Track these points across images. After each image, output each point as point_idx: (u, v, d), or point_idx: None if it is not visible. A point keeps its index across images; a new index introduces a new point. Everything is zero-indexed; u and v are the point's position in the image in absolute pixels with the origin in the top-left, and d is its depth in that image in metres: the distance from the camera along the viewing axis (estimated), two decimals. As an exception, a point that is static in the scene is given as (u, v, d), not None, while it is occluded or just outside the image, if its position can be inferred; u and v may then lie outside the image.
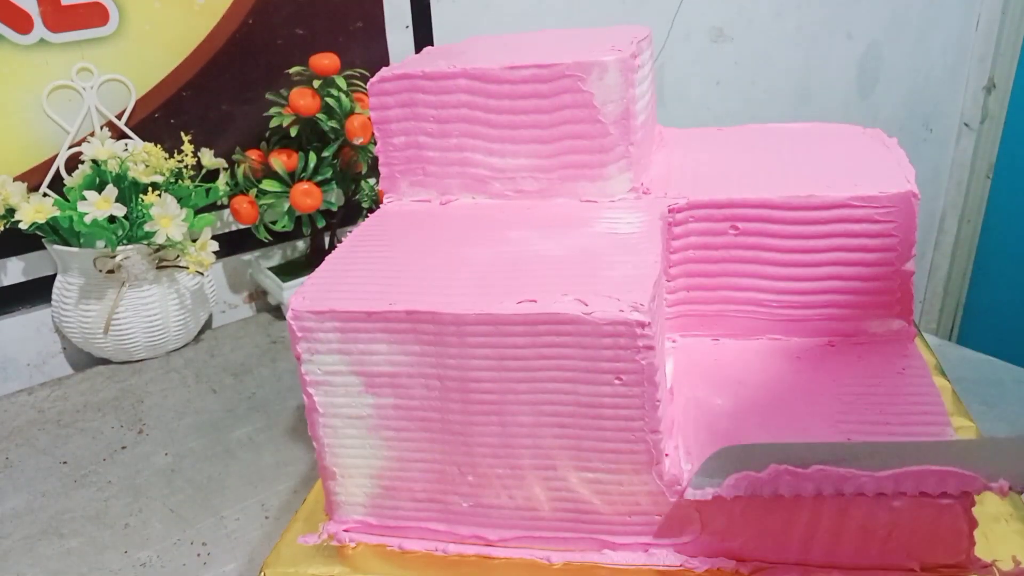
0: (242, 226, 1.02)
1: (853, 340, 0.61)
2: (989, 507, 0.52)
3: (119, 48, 0.91)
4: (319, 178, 0.97)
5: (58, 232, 0.88)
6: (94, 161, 0.87)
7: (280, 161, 0.95)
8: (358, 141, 0.96)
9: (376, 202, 1.03)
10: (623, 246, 0.54)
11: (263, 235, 0.98)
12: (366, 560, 0.54)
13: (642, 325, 0.46)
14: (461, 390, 0.50)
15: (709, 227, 0.61)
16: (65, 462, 0.77)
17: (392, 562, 0.54)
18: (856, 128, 0.72)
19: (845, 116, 1.65)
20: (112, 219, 0.85)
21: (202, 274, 0.94)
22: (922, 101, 1.78)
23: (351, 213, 1.06)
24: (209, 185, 0.95)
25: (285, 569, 0.54)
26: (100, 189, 0.84)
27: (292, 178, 0.96)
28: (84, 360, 0.96)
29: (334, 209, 1.02)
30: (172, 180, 0.90)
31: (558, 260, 0.53)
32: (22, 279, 0.92)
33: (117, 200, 0.84)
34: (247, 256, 1.06)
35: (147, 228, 0.85)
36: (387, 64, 1.09)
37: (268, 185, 0.96)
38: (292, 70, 0.96)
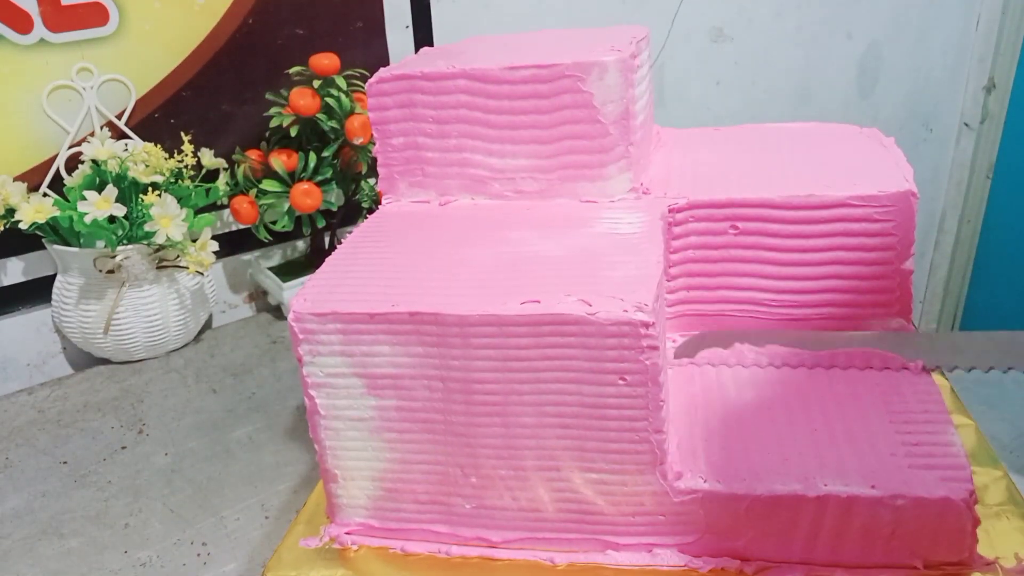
0: (242, 226, 1.02)
1: None
2: (990, 504, 0.52)
3: (119, 48, 0.91)
4: (319, 178, 0.97)
5: (58, 232, 0.88)
6: (94, 161, 0.87)
7: (280, 161, 0.95)
8: (358, 141, 0.96)
9: (376, 202, 1.03)
10: (624, 246, 0.54)
11: (263, 235, 0.98)
12: (368, 563, 0.54)
13: (646, 325, 0.46)
14: (464, 391, 0.50)
15: (709, 227, 0.61)
16: (65, 462, 0.77)
17: (394, 564, 0.54)
18: (853, 128, 0.72)
19: (845, 116, 1.65)
20: (112, 219, 0.85)
21: (202, 274, 0.94)
22: (922, 101, 1.78)
23: (351, 213, 1.06)
24: (209, 185, 0.95)
25: (287, 572, 0.53)
26: (100, 189, 0.84)
27: (292, 178, 0.96)
28: (84, 360, 0.96)
29: (334, 209, 1.02)
30: (172, 180, 0.90)
31: (559, 260, 0.53)
32: (22, 279, 0.92)
33: (117, 200, 0.84)
34: (247, 256, 1.06)
35: (147, 228, 0.85)
36: (387, 64, 1.09)
37: (268, 185, 0.96)
38: (292, 70, 0.96)
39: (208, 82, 0.97)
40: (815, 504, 0.48)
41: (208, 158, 0.95)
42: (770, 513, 0.49)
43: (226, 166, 0.97)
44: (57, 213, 0.85)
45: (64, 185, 0.89)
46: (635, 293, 0.48)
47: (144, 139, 0.94)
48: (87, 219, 0.83)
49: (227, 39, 0.97)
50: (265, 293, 1.07)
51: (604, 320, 0.47)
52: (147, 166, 0.87)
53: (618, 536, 0.52)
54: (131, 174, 0.86)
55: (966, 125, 1.87)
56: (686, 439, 0.52)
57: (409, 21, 1.10)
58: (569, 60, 0.58)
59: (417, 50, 1.12)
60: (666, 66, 1.38)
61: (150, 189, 0.86)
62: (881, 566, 0.49)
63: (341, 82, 0.95)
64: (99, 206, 0.83)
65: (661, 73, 1.39)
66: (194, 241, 0.90)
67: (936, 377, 0.61)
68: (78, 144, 0.90)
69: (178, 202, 0.87)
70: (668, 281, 0.62)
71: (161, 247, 0.89)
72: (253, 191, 0.96)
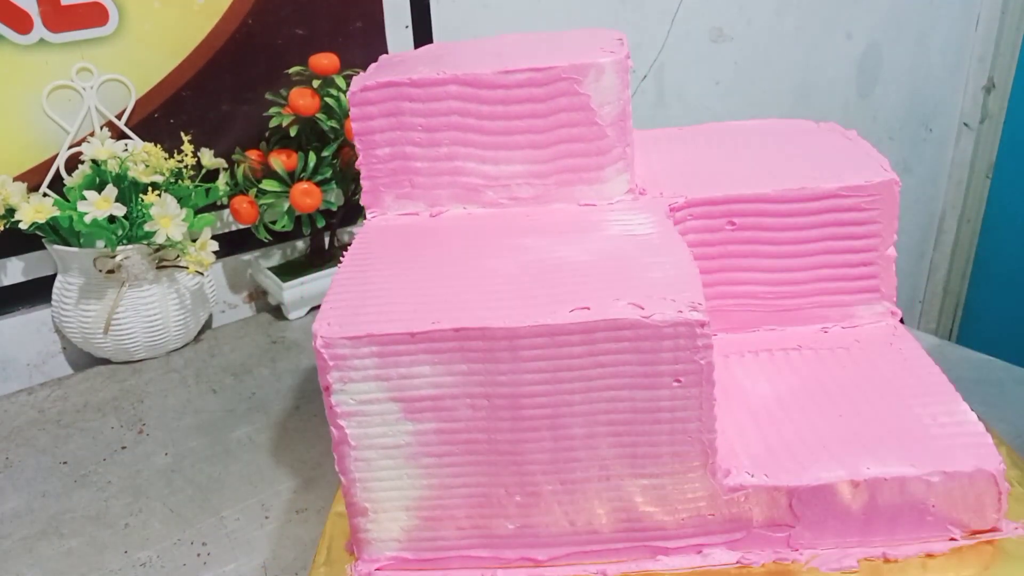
0: (242, 226, 1.02)
1: (843, 325, 0.63)
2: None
3: (119, 48, 0.91)
4: (319, 178, 0.97)
5: (58, 232, 0.88)
6: (94, 161, 0.87)
7: (280, 161, 0.95)
8: (358, 141, 0.96)
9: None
10: (648, 247, 0.54)
11: (263, 235, 0.98)
12: None
13: (701, 324, 0.46)
14: (511, 407, 0.49)
15: (707, 224, 0.61)
16: (65, 462, 0.77)
17: None
18: (809, 123, 0.73)
19: (844, 116, 1.65)
20: (112, 219, 0.85)
21: (202, 274, 0.94)
22: (922, 101, 1.78)
23: (351, 213, 1.06)
24: (209, 185, 0.95)
25: None
26: (100, 189, 0.84)
27: (292, 178, 0.96)
28: (84, 360, 0.96)
29: (334, 209, 1.02)
30: (172, 180, 0.90)
31: (589, 265, 0.52)
32: (22, 279, 0.92)
33: (117, 200, 0.84)
34: (247, 256, 1.06)
35: (147, 228, 0.86)
36: (387, 64, 1.09)
37: (268, 185, 0.96)
38: (292, 70, 0.96)
39: (208, 82, 0.97)
40: (860, 488, 0.48)
41: (208, 158, 0.95)
42: (817, 501, 0.49)
43: (226, 166, 0.97)
44: (57, 213, 0.85)
45: (64, 185, 0.89)
46: (684, 293, 0.48)
47: (144, 139, 0.94)
48: (87, 219, 0.83)
49: (227, 39, 0.97)
50: (265, 293, 1.07)
51: (659, 322, 0.46)
52: (147, 166, 0.87)
53: (667, 541, 0.51)
54: (131, 174, 0.86)
55: (966, 125, 1.87)
56: (721, 434, 0.52)
57: (409, 21, 1.10)
58: (565, 62, 0.58)
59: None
60: (666, 66, 1.39)
61: (150, 189, 0.86)
62: (921, 539, 0.51)
63: (341, 82, 0.95)
64: (99, 206, 0.83)
65: (661, 73, 1.39)
66: (194, 241, 0.90)
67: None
68: (78, 144, 0.90)
69: (178, 202, 0.87)
70: None
71: (161, 247, 0.89)
72: (253, 191, 0.96)
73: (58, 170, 0.90)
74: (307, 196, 0.95)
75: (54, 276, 0.92)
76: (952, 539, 0.50)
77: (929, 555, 0.50)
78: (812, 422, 0.53)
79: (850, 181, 0.59)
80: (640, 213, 0.59)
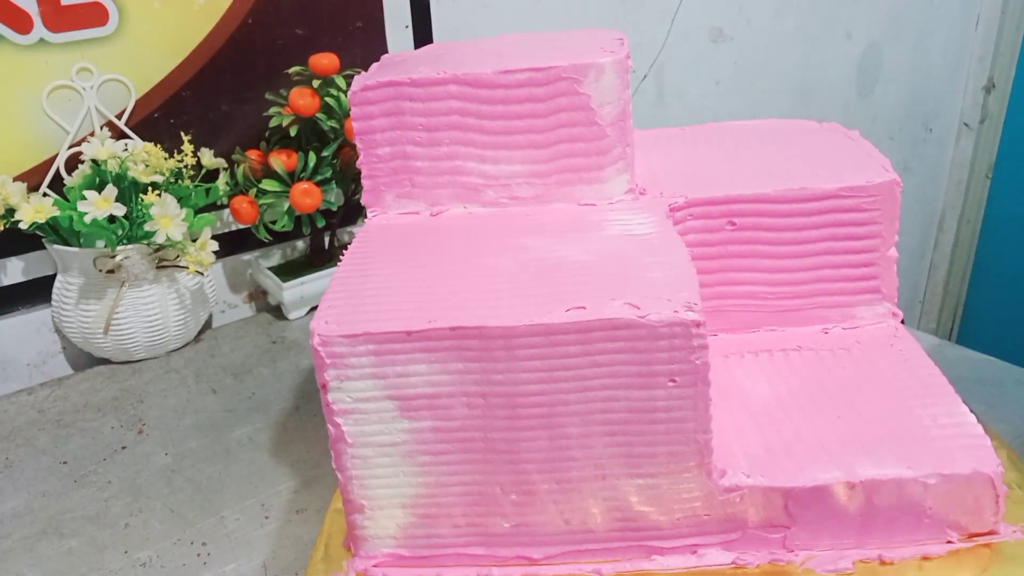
0: (242, 226, 1.02)
1: (844, 326, 0.62)
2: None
3: (119, 48, 0.91)
4: (319, 178, 0.97)
5: (58, 232, 0.88)
6: (94, 161, 0.87)
7: (280, 161, 0.95)
8: (358, 141, 0.96)
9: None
10: (647, 247, 0.54)
11: (263, 235, 0.98)
12: None
13: (697, 324, 0.46)
14: (507, 406, 0.49)
15: (707, 224, 0.61)
16: (65, 462, 0.77)
17: None
18: (811, 123, 0.73)
19: (844, 116, 1.65)
20: (112, 219, 0.85)
21: (202, 274, 0.94)
22: (922, 101, 1.78)
23: (351, 213, 1.06)
24: (209, 185, 0.95)
25: None
26: (100, 189, 0.84)
27: (292, 178, 0.96)
28: (84, 360, 0.96)
29: (334, 209, 1.02)
30: (172, 180, 0.90)
31: (588, 265, 0.52)
32: (22, 279, 0.92)
33: (117, 200, 0.84)
34: (247, 256, 1.06)
35: (147, 228, 0.86)
36: (387, 64, 1.09)
37: (268, 185, 0.96)
38: (292, 70, 0.96)
39: (208, 82, 0.97)
40: (856, 490, 0.48)
41: (208, 158, 0.95)
42: (813, 502, 0.49)
43: (226, 166, 0.97)
44: (57, 213, 0.85)
45: (64, 185, 0.89)
46: (681, 293, 0.48)
47: (144, 139, 0.94)
48: (87, 219, 0.83)
49: (227, 39, 0.97)
50: (265, 293, 1.07)
51: (655, 322, 0.46)
52: (147, 166, 0.87)
53: (662, 540, 0.51)
54: (131, 174, 0.86)
55: (966, 125, 1.87)
56: (718, 435, 0.52)
57: (409, 21, 1.10)
58: (565, 62, 0.58)
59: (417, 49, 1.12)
60: (666, 66, 1.39)
61: (150, 189, 0.86)
62: (918, 542, 0.50)
63: (341, 82, 0.95)
64: (99, 206, 0.83)
65: (661, 73, 1.39)
66: (194, 241, 0.90)
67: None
68: (78, 144, 0.90)
69: (178, 202, 0.87)
70: None
71: (161, 247, 0.89)
72: (253, 191, 0.96)
73: (58, 170, 0.90)
74: (307, 196, 0.95)
75: (54, 276, 0.92)
76: (949, 542, 0.50)
77: (925, 557, 0.49)
78: (811, 423, 0.53)
79: (851, 182, 0.59)
80: (640, 213, 0.59)
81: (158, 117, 0.95)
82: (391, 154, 0.62)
